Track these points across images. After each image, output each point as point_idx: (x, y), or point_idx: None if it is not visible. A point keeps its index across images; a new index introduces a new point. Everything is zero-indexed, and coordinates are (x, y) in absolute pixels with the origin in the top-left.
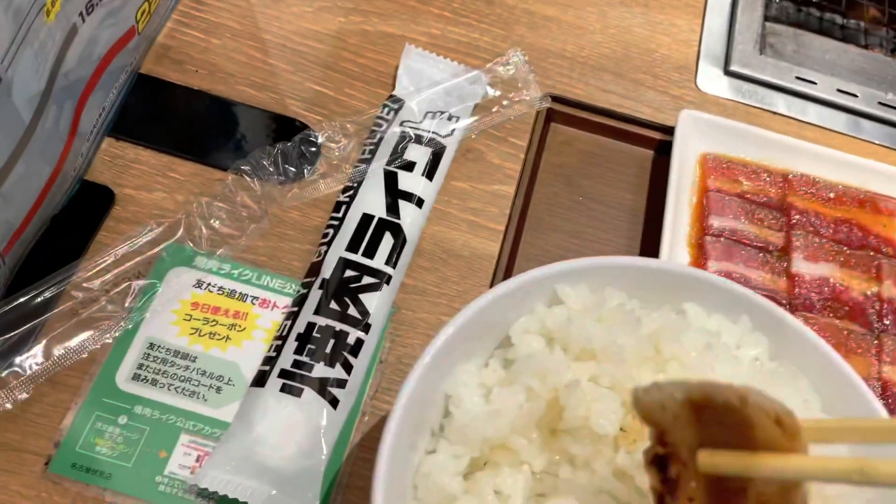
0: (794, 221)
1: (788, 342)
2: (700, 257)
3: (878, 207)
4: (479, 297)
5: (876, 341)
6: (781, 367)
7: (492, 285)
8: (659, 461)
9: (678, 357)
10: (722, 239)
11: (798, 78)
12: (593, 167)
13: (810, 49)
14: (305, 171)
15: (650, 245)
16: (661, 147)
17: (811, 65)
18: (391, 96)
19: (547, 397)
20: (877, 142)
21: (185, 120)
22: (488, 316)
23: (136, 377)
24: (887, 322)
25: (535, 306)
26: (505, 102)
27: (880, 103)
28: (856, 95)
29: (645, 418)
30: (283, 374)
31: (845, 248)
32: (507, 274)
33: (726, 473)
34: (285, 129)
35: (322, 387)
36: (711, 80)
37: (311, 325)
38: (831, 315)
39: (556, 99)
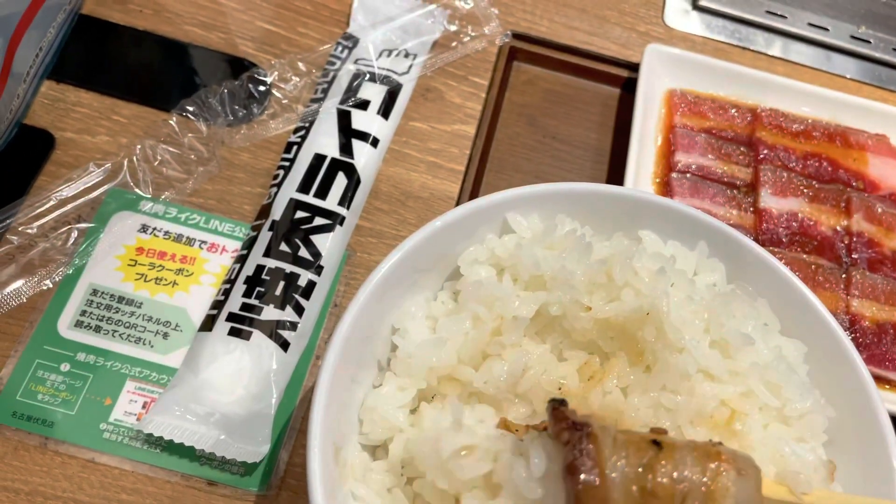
0: (762, 156)
1: (747, 268)
2: (666, 194)
3: (848, 141)
4: (426, 225)
5: (844, 275)
6: (738, 289)
7: None
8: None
9: (631, 283)
10: (688, 175)
11: (768, 12)
12: (557, 106)
13: None
14: (255, 111)
15: (615, 184)
16: (628, 85)
17: None
18: (345, 34)
19: (493, 325)
20: (848, 76)
21: (128, 62)
22: (437, 245)
23: (78, 324)
24: (856, 256)
25: (485, 236)
26: (464, 38)
27: (852, 37)
28: (827, 29)
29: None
30: (232, 317)
31: (814, 183)
32: None
33: None
34: (234, 69)
35: (272, 329)
36: (679, 16)
37: (260, 268)
38: (799, 250)
39: (518, 36)
